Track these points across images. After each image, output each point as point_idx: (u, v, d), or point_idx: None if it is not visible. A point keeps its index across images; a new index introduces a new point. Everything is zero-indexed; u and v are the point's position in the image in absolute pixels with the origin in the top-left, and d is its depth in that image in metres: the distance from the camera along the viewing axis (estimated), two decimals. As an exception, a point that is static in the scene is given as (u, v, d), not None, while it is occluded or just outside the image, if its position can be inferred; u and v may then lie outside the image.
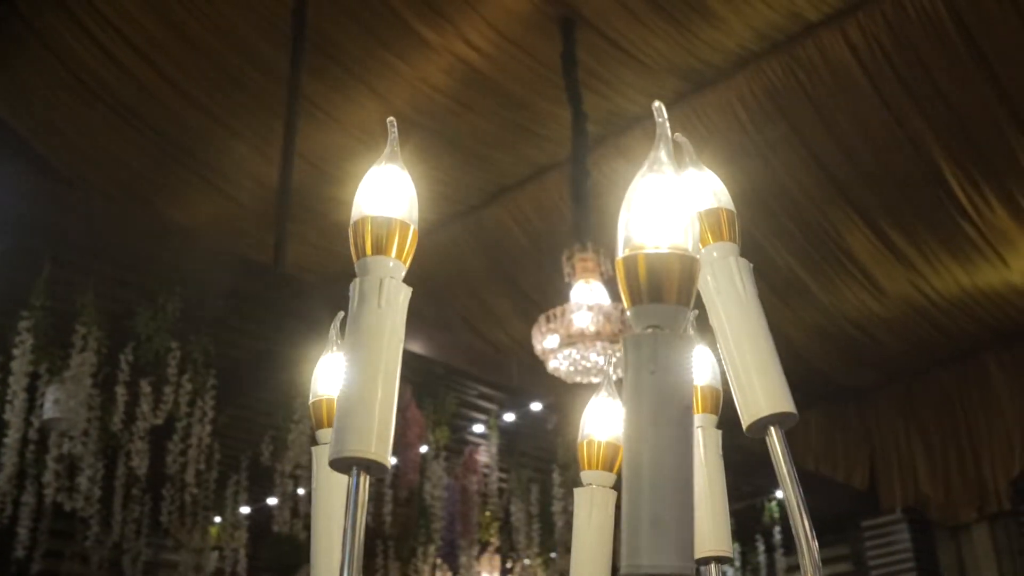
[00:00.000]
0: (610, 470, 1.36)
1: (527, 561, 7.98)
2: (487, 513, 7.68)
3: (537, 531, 7.61)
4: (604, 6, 6.91)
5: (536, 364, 6.68)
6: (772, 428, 1.04)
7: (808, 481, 8.57)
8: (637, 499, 0.76)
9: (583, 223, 6.85)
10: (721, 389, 1.43)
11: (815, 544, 1.01)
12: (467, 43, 7.17)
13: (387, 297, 1.05)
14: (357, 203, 1.10)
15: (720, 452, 1.37)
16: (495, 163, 8.01)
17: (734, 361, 1.06)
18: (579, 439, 1.38)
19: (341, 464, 1.01)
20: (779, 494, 8.75)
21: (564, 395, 7.12)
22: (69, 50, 7.08)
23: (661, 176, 0.85)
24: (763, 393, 1.04)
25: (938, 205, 7.69)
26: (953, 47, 6.88)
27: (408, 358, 6.67)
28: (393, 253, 1.08)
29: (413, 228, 1.10)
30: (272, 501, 7.21)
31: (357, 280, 1.07)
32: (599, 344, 6.41)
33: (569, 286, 6.65)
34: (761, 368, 1.05)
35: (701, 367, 1.43)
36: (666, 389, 0.78)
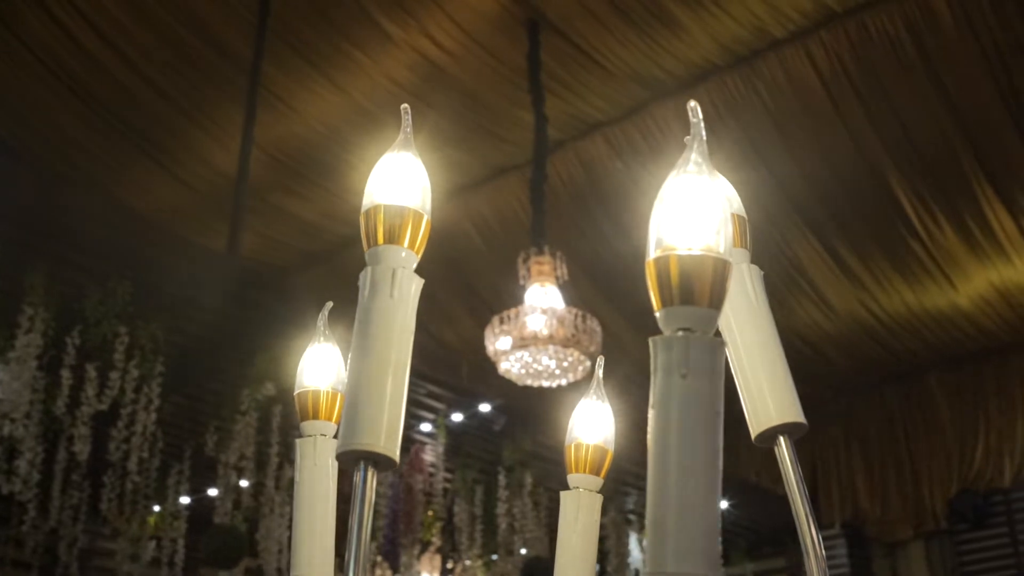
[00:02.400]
0: (597, 474, 1.35)
1: (467, 562, 7.95)
2: (430, 512, 7.64)
3: (480, 533, 7.58)
4: (570, 11, 6.91)
5: (486, 365, 6.66)
6: (781, 438, 1.03)
7: (749, 494, 8.63)
8: (664, 503, 0.75)
9: (540, 226, 6.85)
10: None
11: (822, 552, 1.00)
12: (431, 40, 7.14)
13: (399, 287, 1.02)
14: (369, 190, 1.07)
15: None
16: (453, 162, 7.98)
17: (744, 369, 1.05)
18: (566, 442, 1.37)
19: (348, 458, 0.99)
20: (723, 504, 8.79)
21: (513, 397, 7.11)
22: (29, 29, 6.95)
23: (694, 177, 0.84)
24: (773, 403, 1.03)
25: (890, 226, 7.78)
26: (912, 70, 6.97)
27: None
28: (406, 243, 1.05)
29: (426, 218, 1.08)
30: (213, 492, 7.12)
31: (368, 269, 1.05)
32: (551, 348, 6.41)
33: (523, 288, 6.64)
34: (771, 377, 1.04)
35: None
36: (697, 393, 0.76)
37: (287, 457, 6.64)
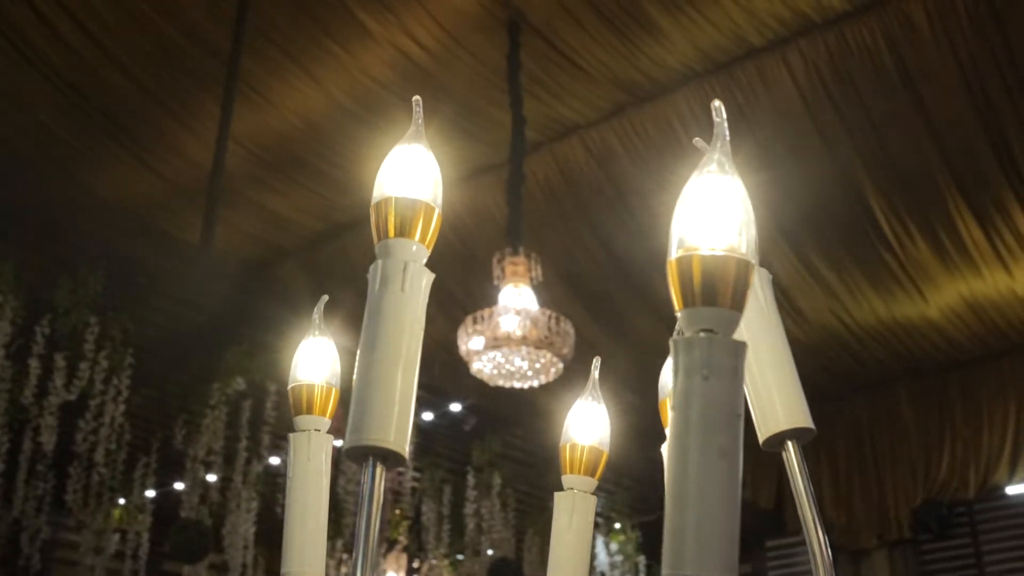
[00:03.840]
0: (592, 475, 1.34)
1: (433, 561, 7.93)
2: (397, 511, 7.63)
3: (447, 532, 7.57)
4: (551, 13, 6.90)
5: (458, 365, 6.64)
6: (789, 443, 1.03)
7: (717, 499, 8.65)
8: (683, 506, 0.74)
9: (516, 227, 6.84)
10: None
11: (829, 554, 1.00)
12: (411, 37, 7.10)
13: (410, 281, 1.01)
14: (380, 182, 1.06)
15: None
16: (428, 159, 7.95)
17: (753, 373, 1.05)
18: (561, 442, 1.36)
19: (357, 453, 0.97)
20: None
21: (484, 398, 7.10)
22: (3, 14, 6.86)
23: (718, 177, 0.83)
24: (782, 407, 1.03)
25: (863, 235, 7.82)
26: (890, 82, 7.01)
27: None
28: (417, 236, 1.04)
29: (438, 212, 1.06)
30: (180, 486, 7.07)
31: (378, 262, 1.03)
32: (524, 349, 6.40)
33: (497, 289, 6.63)
34: (780, 382, 1.04)
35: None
36: (718, 396, 0.76)
37: (256, 452, 6.62)
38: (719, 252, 0.79)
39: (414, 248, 1.04)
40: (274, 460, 7.10)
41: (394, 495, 7.43)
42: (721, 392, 0.76)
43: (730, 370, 0.76)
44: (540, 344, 6.39)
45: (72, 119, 7.33)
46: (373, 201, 1.05)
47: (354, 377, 1.00)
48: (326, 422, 1.32)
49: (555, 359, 6.48)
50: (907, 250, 7.86)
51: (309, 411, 1.32)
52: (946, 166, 7.38)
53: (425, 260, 1.05)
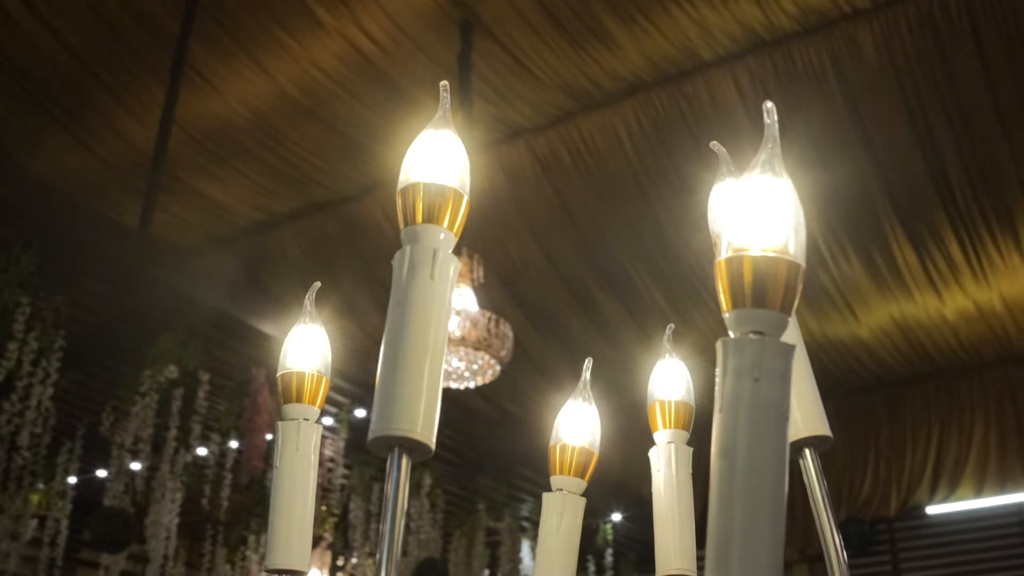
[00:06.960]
0: (582, 477, 1.33)
1: (356, 560, 7.87)
2: (323, 508, 7.55)
3: (374, 531, 7.51)
4: (505, 15, 6.89)
5: (394, 363, 6.58)
6: (807, 451, 1.02)
7: (645, 508, 8.68)
8: (730, 508, 0.73)
9: (460, 227, 6.81)
10: (694, 405, 1.42)
11: (845, 559, 1.00)
12: (362, 31, 7.06)
13: (439, 269, 0.99)
14: (406, 167, 1.04)
15: (690, 469, 1.36)
16: (373, 155, 7.89)
17: (771, 379, 1.04)
18: (551, 443, 1.34)
19: (381, 444, 0.95)
20: (615, 517, 8.86)
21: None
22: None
23: (769, 178, 0.82)
24: (800, 415, 1.02)
25: (800, 253, 7.91)
26: (834, 106, 7.11)
27: (264, 342, 6.36)
28: (445, 223, 1.02)
29: (466, 199, 1.04)
30: (102, 473, 6.93)
31: (406, 248, 1.00)
32: (463, 350, 6.38)
33: (437, 288, 6.60)
34: (798, 389, 1.03)
35: (675, 381, 1.41)
36: (768, 398, 0.75)
37: (184, 442, 6.51)
38: (770, 253, 0.78)
39: (442, 236, 1.02)
40: (201, 451, 7.00)
41: (322, 491, 7.35)
42: (771, 394, 0.75)
43: (780, 372, 0.76)
44: (479, 345, 6.37)
45: (11, 95, 7.17)
46: (399, 186, 1.03)
47: (379, 365, 0.98)
48: (315, 411, 1.30)
49: (492, 361, 6.47)
50: (842, 270, 7.98)
51: (299, 399, 1.29)
52: (884, 190, 7.50)
53: (453, 248, 1.02)
